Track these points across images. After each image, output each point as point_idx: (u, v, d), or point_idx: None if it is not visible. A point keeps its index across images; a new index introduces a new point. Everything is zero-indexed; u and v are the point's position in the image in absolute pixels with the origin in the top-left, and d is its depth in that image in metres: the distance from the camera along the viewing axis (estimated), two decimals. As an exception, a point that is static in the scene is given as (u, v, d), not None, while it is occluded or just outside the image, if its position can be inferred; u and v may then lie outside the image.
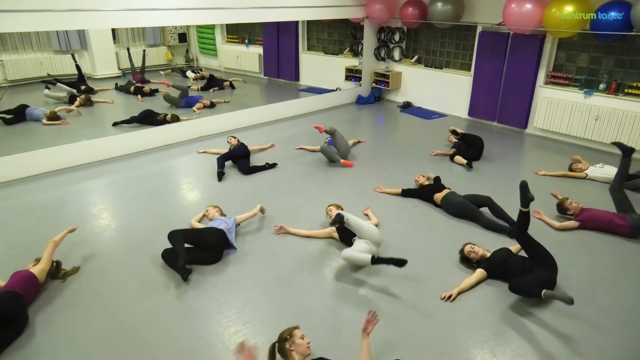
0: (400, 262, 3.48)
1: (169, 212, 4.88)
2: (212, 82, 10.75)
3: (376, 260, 3.54)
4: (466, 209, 4.73)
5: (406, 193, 5.26)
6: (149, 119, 7.66)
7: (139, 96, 9.71)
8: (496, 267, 3.70)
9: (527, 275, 3.47)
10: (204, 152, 6.63)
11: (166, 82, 9.77)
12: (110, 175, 5.94)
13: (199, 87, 10.60)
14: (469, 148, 6.39)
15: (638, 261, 4.05)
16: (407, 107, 9.29)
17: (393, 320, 3.32)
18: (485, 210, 4.71)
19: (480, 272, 3.70)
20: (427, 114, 8.84)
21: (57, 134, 7.29)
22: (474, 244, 3.94)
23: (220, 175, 5.68)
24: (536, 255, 3.54)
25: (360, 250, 3.69)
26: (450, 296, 3.52)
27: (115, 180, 5.80)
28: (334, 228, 4.21)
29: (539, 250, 3.53)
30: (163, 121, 7.48)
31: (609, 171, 5.62)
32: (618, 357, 2.93)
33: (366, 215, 4.72)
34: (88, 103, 8.98)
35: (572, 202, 4.67)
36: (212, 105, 9.05)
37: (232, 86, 10.85)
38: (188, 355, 3.00)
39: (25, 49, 11.02)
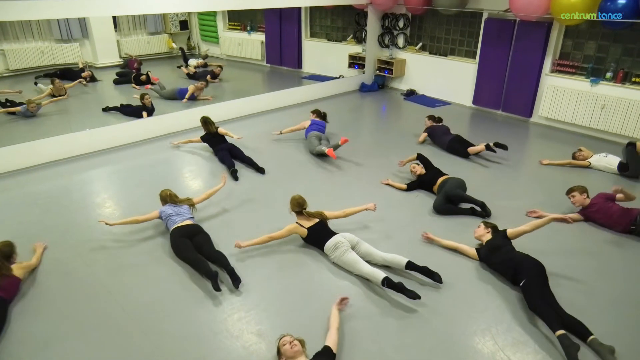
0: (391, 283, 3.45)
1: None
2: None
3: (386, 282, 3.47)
4: (446, 209, 4.71)
5: (411, 187, 5.28)
6: (138, 110, 7.53)
7: (134, 84, 9.66)
8: (486, 255, 3.77)
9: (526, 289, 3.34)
10: (178, 144, 6.41)
11: (155, 78, 9.62)
12: (113, 164, 5.94)
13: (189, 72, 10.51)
14: (443, 135, 6.35)
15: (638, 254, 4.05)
16: (411, 95, 9.22)
17: (395, 307, 3.33)
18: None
19: (472, 251, 3.91)
20: (431, 102, 8.78)
21: (59, 123, 7.28)
22: (481, 225, 3.99)
23: (235, 174, 5.45)
24: (524, 273, 3.40)
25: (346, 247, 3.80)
26: (428, 238, 4.07)
27: (118, 169, 5.80)
28: (296, 226, 4.03)
29: (524, 267, 3.42)
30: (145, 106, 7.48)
31: (613, 161, 5.59)
32: (618, 346, 2.93)
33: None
34: (61, 92, 8.63)
35: (575, 201, 4.51)
36: (207, 84, 8.96)
37: (221, 67, 10.56)
38: (192, 341, 3.03)
39: (27, 38, 10.95)
